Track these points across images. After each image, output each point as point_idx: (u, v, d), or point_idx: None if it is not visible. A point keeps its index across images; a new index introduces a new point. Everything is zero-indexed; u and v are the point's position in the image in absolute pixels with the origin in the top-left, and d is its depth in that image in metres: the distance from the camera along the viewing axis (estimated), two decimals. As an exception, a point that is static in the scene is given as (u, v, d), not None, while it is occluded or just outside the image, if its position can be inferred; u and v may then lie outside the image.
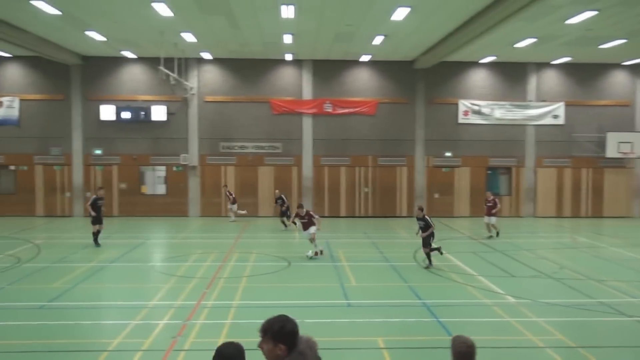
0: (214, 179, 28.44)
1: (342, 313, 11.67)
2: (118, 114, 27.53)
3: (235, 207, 26.27)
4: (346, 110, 28.50)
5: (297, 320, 3.87)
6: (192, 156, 28.14)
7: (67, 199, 28.08)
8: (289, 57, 27.54)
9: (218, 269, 15.77)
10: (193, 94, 28.03)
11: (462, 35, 20.92)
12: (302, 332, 3.86)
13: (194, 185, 28.23)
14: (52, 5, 17.83)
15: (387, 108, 28.75)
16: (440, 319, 11.07)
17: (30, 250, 18.64)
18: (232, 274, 15.27)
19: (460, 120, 28.86)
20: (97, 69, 27.92)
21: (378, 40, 23.25)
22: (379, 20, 19.98)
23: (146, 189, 28.56)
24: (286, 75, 28.58)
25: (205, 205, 28.49)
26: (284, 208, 24.19)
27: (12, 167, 28.11)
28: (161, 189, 28.64)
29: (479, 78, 29.03)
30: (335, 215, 28.31)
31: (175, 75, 24.92)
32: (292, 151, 28.57)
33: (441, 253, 16.57)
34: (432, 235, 16.05)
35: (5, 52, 26.50)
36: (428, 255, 16.16)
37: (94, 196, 19.42)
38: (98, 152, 28.03)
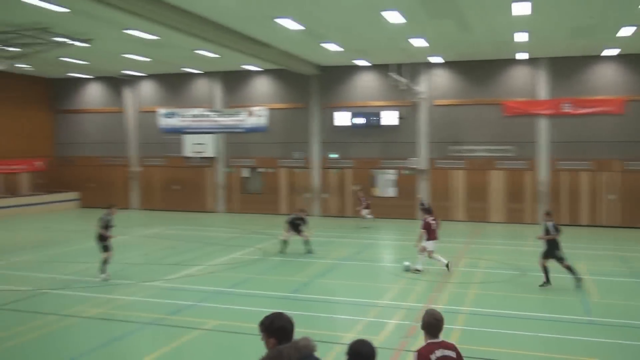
0: (443, 182, 28.33)
1: (583, 330, 10.76)
2: (351, 119, 29.04)
3: (367, 212, 25.73)
4: (587, 110, 26.12)
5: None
6: (421, 160, 28.40)
7: (306, 199, 30.37)
8: (520, 56, 26.21)
9: (447, 274, 15.69)
10: (423, 98, 28.25)
11: None
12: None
13: (423, 188, 28.43)
14: (296, 22, 19.49)
15: (637, 106, 25.68)
16: None
17: (275, 245, 20.58)
18: (461, 279, 15.09)
19: None
20: (332, 78, 29.75)
21: (625, 31, 20.88)
22: (626, 8, 17.95)
23: (377, 191, 29.57)
24: (518, 75, 27.24)
25: (434, 208, 28.29)
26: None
27: (261, 170, 31.39)
28: (391, 192, 29.41)
29: None
30: (574, 223, 26.04)
31: (405, 80, 25.44)
32: (526, 154, 27.09)
33: (577, 280, 13.89)
34: (556, 246, 13.86)
35: (257, 66, 29.70)
36: (545, 270, 14.02)
37: (293, 215, 20.20)
38: (334, 155, 29.87)
